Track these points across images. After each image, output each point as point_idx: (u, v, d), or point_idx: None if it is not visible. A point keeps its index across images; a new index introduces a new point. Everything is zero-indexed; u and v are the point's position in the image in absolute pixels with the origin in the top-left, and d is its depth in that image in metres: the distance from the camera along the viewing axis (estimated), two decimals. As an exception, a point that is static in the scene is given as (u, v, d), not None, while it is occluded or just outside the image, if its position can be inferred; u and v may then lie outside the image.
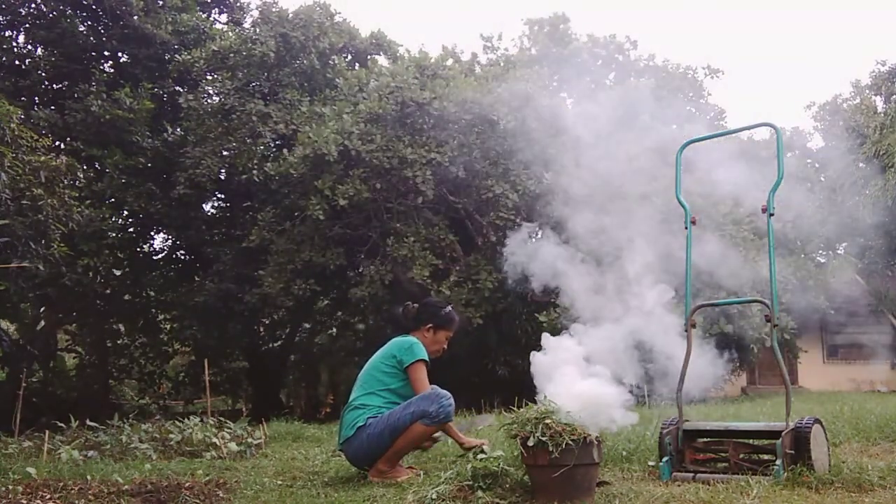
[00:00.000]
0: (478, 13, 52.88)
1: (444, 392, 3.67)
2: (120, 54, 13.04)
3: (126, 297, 13.34)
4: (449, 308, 4.08)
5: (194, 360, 14.71)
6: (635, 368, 3.33)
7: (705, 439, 3.42)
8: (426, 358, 3.84)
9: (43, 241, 6.88)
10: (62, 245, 7.28)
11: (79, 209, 7.53)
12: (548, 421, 2.85)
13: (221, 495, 3.37)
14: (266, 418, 7.58)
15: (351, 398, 3.88)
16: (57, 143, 11.17)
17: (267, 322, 15.09)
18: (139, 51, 12.57)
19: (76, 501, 3.19)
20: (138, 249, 13.64)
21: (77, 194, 7.90)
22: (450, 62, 11.69)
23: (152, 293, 13.61)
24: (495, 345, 11.01)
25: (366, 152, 9.70)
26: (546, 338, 3.32)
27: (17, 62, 12.56)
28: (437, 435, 3.95)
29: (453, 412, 3.67)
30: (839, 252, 18.52)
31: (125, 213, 12.46)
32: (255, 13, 12.34)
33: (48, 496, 3.26)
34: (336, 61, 11.82)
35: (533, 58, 16.98)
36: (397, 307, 4.20)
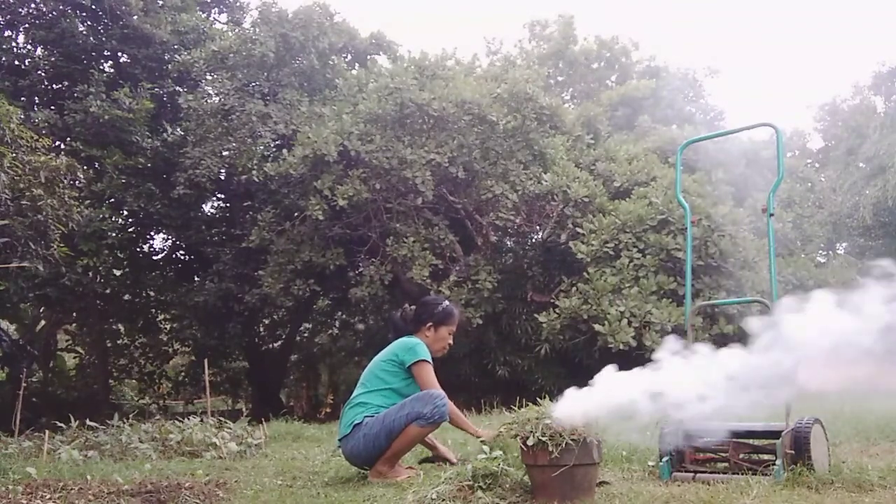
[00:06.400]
0: (479, 13, 52.89)
1: (439, 392, 3.67)
2: (119, 54, 13.02)
3: (126, 297, 13.33)
4: (445, 303, 4.08)
5: (194, 360, 14.72)
6: None
7: (705, 439, 3.42)
8: (429, 359, 3.85)
9: (43, 242, 6.88)
10: (62, 245, 7.28)
11: (79, 209, 7.52)
12: (548, 421, 2.86)
13: (221, 495, 3.37)
14: (266, 418, 7.59)
15: (352, 395, 3.89)
16: (57, 143, 11.16)
17: (267, 322, 15.09)
18: (139, 51, 12.56)
19: (76, 501, 3.19)
20: (138, 249, 13.62)
21: (77, 194, 7.89)
22: (450, 63, 11.69)
23: (152, 293, 13.60)
24: (495, 345, 11.01)
25: (365, 153, 9.70)
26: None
27: (16, 62, 12.55)
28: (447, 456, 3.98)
29: (448, 412, 3.67)
30: (839, 252, 18.54)
31: (125, 213, 12.45)
32: (255, 13, 12.31)
33: (48, 496, 3.26)
34: (336, 61, 11.81)
35: (534, 58, 16.99)
36: (395, 312, 4.21)
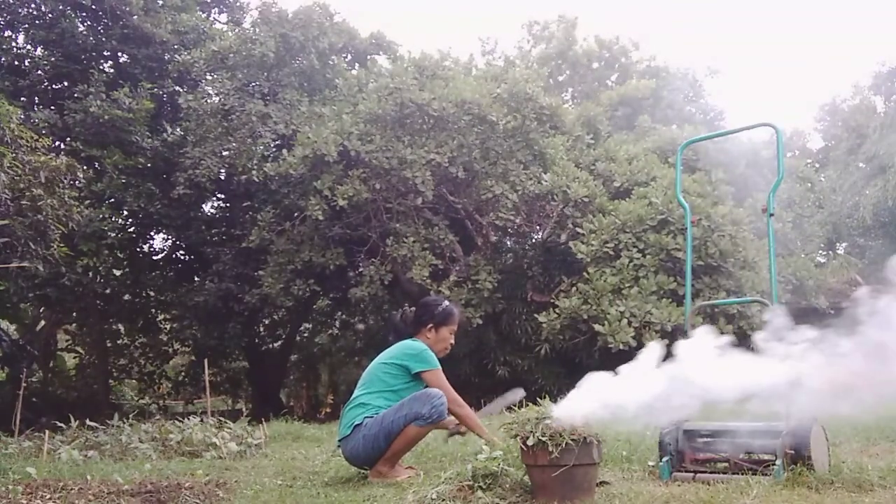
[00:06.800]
0: (479, 13, 52.89)
1: (436, 391, 3.67)
2: (119, 54, 13.02)
3: (126, 297, 13.33)
4: (445, 303, 4.07)
5: (194, 360, 14.71)
6: None
7: (705, 439, 3.42)
8: (439, 365, 3.86)
9: (43, 242, 6.88)
10: (62, 245, 7.28)
11: (79, 209, 7.51)
12: (548, 421, 2.86)
13: (221, 495, 3.37)
14: (266, 418, 7.59)
15: (353, 396, 3.89)
16: (57, 143, 11.16)
17: (267, 322, 15.09)
18: (139, 51, 12.56)
19: (76, 501, 3.20)
20: (138, 249, 13.63)
21: (77, 194, 7.90)
22: (449, 63, 11.70)
23: (152, 293, 13.60)
24: (495, 345, 11.01)
25: (365, 153, 9.70)
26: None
27: (16, 62, 12.54)
28: (463, 429, 3.95)
29: (446, 411, 3.67)
30: (839, 252, 18.54)
31: (125, 213, 12.45)
32: (255, 13, 12.31)
33: (48, 496, 3.26)
34: (336, 61, 11.82)
35: (534, 59, 16.98)
36: (395, 314, 4.21)
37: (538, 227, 11.04)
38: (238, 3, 14.61)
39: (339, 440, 3.83)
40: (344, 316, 14.93)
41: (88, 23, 12.89)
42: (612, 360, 3.04)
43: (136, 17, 12.23)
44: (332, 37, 11.76)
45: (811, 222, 14.75)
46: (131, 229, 13.13)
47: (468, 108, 9.88)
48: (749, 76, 46.35)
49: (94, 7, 12.44)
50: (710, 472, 3.26)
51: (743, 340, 3.03)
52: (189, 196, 11.67)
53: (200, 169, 11.05)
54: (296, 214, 11.07)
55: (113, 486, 3.50)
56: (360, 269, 11.33)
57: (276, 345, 15.76)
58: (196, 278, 13.51)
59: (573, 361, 9.99)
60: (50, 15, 12.46)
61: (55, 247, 7.04)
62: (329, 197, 9.79)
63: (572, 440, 2.78)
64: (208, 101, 11.70)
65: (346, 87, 11.07)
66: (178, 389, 16.48)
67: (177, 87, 12.82)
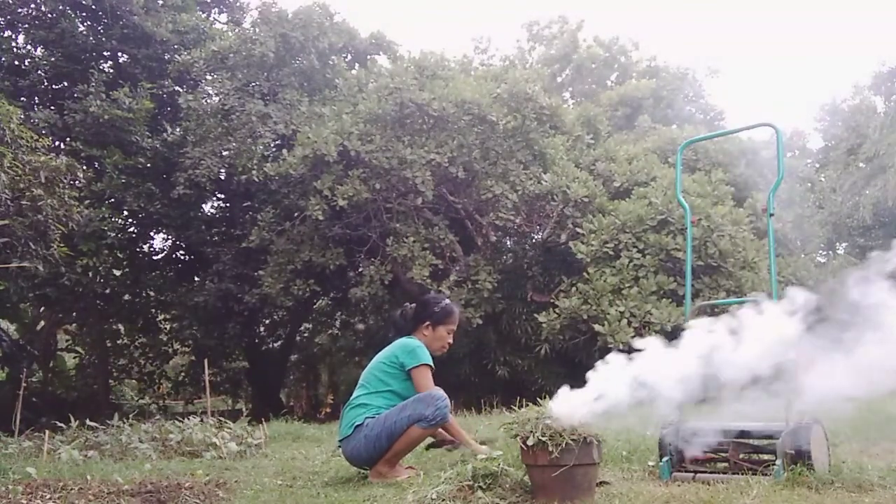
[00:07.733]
0: (479, 12, 52.84)
1: (440, 393, 3.66)
2: (119, 54, 13.03)
3: (126, 297, 13.32)
4: (445, 302, 4.05)
5: (194, 360, 14.72)
6: None
7: (705, 439, 3.42)
8: (430, 363, 3.83)
9: (43, 242, 6.88)
10: (62, 245, 7.28)
11: (79, 209, 7.51)
12: (548, 421, 2.86)
13: (221, 495, 3.37)
14: (266, 418, 7.59)
15: (352, 396, 3.89)
16: (57, 143, 11.16)
17: (267, 322, 15.09)
18: (138, 51, 12.56)
19: (76, 501, 3.20)
20: (138, 249, 13.62)
21: (77, 194, 7.89)
22: (450, 62, 11.69)
23: (152, 293, 13.59)
24: (495, 345, 11.01)
25: (365, 153, 9.70)
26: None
27: (16, 62, 12.55)
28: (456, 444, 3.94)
29: (449, 413, 3.66)
30: (839, 252, 18.55)
31: (125, 213, 12.44)
32: (255, 13, 12.33)
33: (48, 496, 3.26)
34: (336, 61, 11.82)
35: (535, 60, 16.99)
36: (396, 311, 4.20)
37: (538, 227, 11.04)
38: (238, 3, 14.61)
39: (340, 440, 3.83)
40: (344, 316, 14.93)
41: (88, 23, 12.90)
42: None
43: (136, 16, 12.24)
44: (332, 37, 11.76)
45: (811, 222, 14.77)
46: (131, 229, 13.13)
47: (468, 108, 9.88)
48: (749, 76, 46.35)
49: (94, 7, 12.44)
50: (710, 472, 3.26)
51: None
52: (189, 196, 11.66)
53: (200, 169, 11.05)
54: (296, 214, 11.07)
55: (113, 486, 3.50)
56: (360, 269, 11.33)
57: (276, 345, 15.76)
58: (196, 278, 13.51)
59: (573, 361, 9.99)
60: (50, 15, 12.46)
61: (55, 247, 7.04)
62: (329, 197, 9.79)
63: (572, 440, 2.78)
64: (208, 101, 11.70)
65: (346, 87, 11.07)
66: (178, 389, 16.48)
67: (177, 87, 12.82)
